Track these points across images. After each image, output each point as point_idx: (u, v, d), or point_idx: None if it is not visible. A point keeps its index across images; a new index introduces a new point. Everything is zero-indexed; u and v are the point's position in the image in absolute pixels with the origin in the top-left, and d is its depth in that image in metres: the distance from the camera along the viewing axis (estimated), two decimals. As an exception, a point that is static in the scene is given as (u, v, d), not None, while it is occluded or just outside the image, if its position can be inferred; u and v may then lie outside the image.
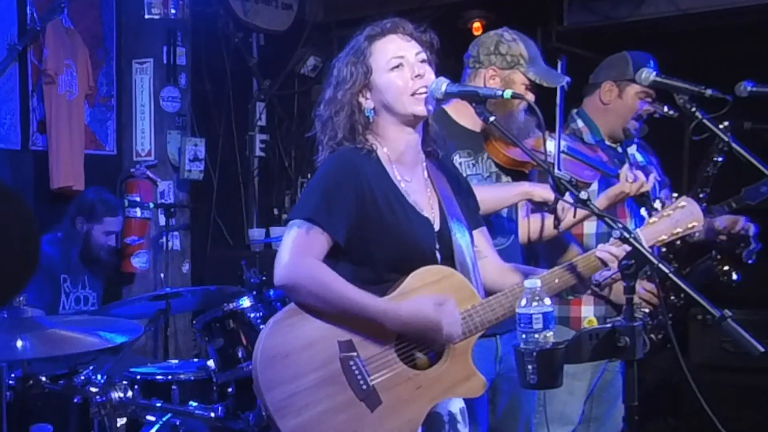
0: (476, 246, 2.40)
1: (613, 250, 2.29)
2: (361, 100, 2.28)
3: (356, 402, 2.11)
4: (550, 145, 2.82)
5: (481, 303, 2.23)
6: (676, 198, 2.47)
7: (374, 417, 2.11)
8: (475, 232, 2.42)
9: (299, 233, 2.15)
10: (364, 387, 2.12)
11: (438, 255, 2.26)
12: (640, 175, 2.90)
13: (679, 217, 2.39)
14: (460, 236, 2.30)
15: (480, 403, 2.76)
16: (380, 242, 2.20)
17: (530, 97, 2.88)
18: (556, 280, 2.29)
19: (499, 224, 2.91)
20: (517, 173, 2.95)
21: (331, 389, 2.10)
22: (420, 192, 2.32)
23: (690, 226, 2.40)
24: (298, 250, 2.13)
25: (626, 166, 2.98)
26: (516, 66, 2.86)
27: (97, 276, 4.48)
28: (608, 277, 2.34)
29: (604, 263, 2.29)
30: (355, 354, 2.13)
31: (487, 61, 2.89)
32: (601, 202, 2.95)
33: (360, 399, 2.11)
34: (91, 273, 4.45)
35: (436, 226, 2.29)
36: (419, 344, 2.19)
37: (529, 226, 3.02)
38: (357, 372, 2.12)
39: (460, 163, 2.87)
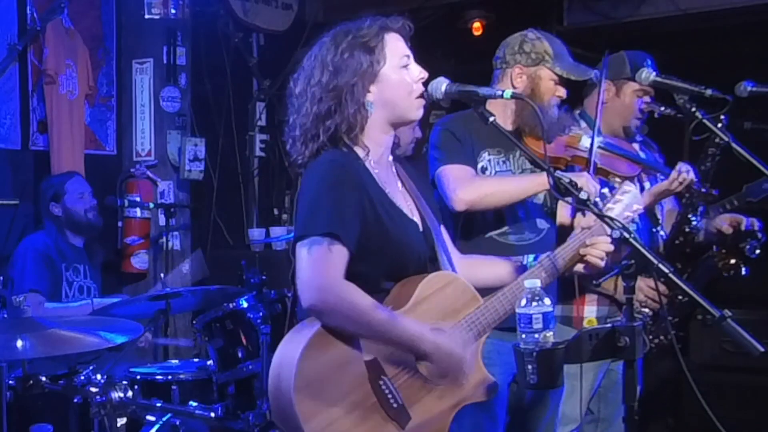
0: None
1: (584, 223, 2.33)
2: (367, 91, 2.16)
3: (388, 421, 2.07)
4: (586, 141, 2.87)
5: (484, 305, 2.22)
6: (620, 183, 2.50)
7: None
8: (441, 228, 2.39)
9: (320, 250, 2.03)
10: (395, 405, 2.08)
11: (426, 258, 2.23)
12: (687, 169, 2.97)
13: (629, 202, 2.41)
14: (436, 234, 2.29)
15: (497, 398, 2.75)
16: (382, 251, 2.14)
17: (561, 92, 2.93)
18: (543, 274, 2.29)
19: (529, 221, 2.93)
20: (556, 168, 2.96)
21: (365, 412, 2.05)
22: (399, 195, 2.27)
23: (635, 208, 2.43)
24: (325, 269, 2.02)
25: (679, 164, 3.00)
26: (541, 62, 2.92)
27: (92, 263, 4.46)
28: (606, 279, 2.34)
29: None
30: (382, 373, 2.08)
31: (512, 60, 2.96)
32: (644, 198, 2.95)
33: (391, 417, 2.07)
34: (87, 259, 4.43)
35: (420, 227, 2.27)
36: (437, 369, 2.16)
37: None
38: (387, 391, 2.07)
39: (489, 160, 2.91)
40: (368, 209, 2.12)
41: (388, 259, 2.15)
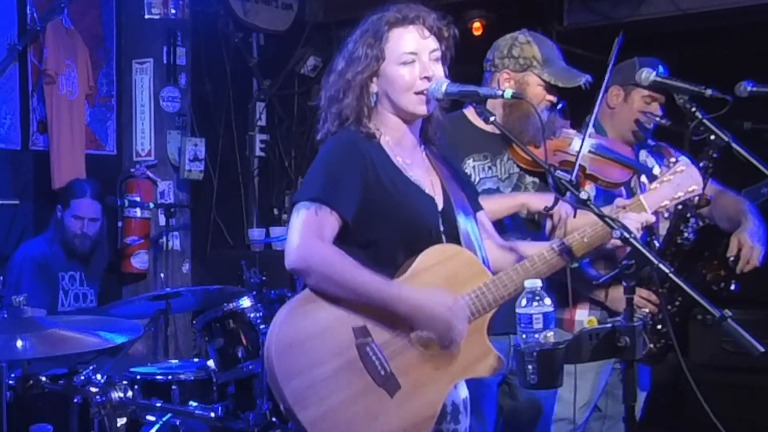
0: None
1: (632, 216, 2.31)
2: (369, 83, 2.26)
3: (375, 388, 2.08)
4: (577, 145, 2.84)
5: (492, 280, 2.21)
6: (674, 162, 2.47)
7: (394, 402, 2.09)
8: (477, 215, 2.42)
9: (308, 214, 2.10)
10: (383, 372, 2.09)
11: (443, 236, 2.25)
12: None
13: (680, 181, 2.39)
14: (464, 219, 2.30)
15: (486, 399, 2.76)
16: (386, 222, 2.18)
17: (551, 97, 2.89)
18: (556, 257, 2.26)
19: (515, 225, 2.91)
20: (542, 174, 2.94)
21: (350, 377, 2.07)
22: (422, 173, 2.32)
23: (690, 189, 2.41)
24: (309, 231, 2.08)
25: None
26: (529, 68, 2.88)
27: (89, 272, 4.44)
28: (608, 278, 2.32)
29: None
30: (370, 339, 2.09)
31: (501, 64, 2.92)
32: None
33: (379, 385, 2.08)
34: (83, 268, 4.42)
35: (440, 205, 2.29)
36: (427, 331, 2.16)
37: None
38: (374, 358, 2.09)
39: (473, 167, 2.88)
40: (372, 178, 2.18)
41: (397, 225, 2.18)
